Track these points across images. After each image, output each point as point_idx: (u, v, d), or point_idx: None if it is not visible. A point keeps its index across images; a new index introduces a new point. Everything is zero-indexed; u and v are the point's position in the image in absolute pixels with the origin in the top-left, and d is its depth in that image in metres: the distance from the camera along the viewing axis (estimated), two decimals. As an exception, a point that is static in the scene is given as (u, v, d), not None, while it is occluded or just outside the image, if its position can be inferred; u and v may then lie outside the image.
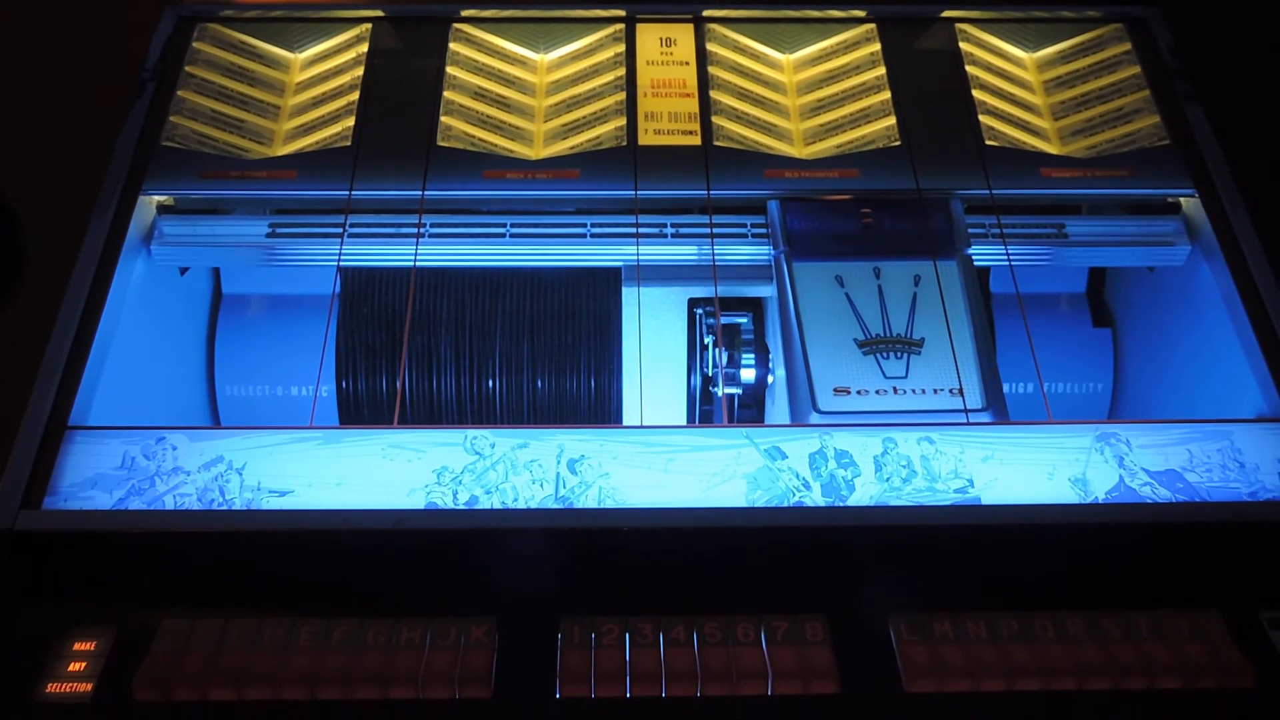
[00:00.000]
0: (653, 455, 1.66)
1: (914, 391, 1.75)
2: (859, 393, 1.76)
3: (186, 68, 2.05)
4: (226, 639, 1.42)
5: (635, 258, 1.95)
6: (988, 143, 2.05)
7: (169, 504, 1.54)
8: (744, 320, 2.03)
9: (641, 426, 1.70)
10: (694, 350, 2.01)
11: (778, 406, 1.94)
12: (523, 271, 2.09)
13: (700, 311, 2.00)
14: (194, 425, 1.75)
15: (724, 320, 2.00)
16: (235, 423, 2.09)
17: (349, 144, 2.01)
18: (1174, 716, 1.37)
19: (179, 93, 2.01)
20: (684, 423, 2.02)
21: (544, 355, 2.07)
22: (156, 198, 1.91)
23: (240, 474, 1.58)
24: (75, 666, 1.36)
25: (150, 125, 1.93)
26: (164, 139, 1.94)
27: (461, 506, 1.59)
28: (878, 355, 1.80)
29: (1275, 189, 2.01)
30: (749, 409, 2.09)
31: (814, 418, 1.73)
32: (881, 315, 1.85)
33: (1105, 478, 1.61)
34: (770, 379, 2.01)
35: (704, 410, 2.05)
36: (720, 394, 1.91)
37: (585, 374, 2.05)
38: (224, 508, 1.54)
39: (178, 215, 1.93)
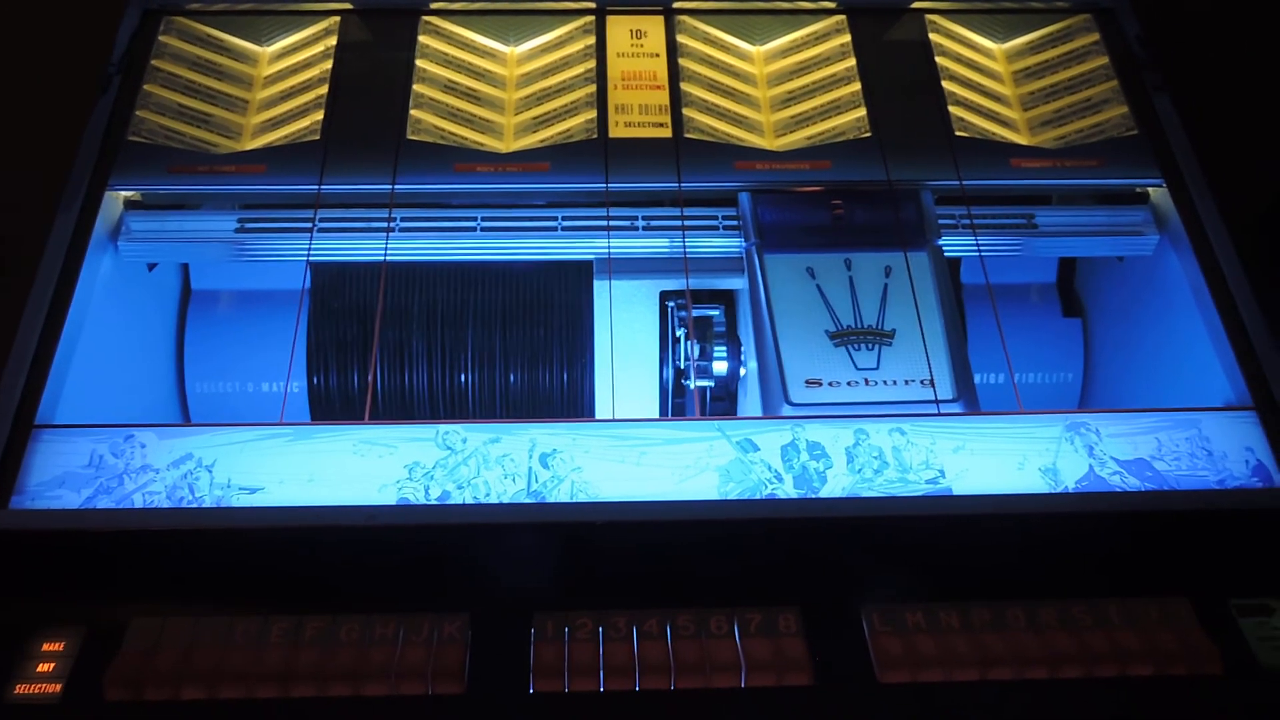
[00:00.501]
0: (625, 448, 1.65)
1: (885, 383, 1.75)
2: (831, 384, 1.76)
3: (153, 62, 2.03)
4: (198, 637, 1.41)
5: (607, 251, 1.94)
6: (958, 134, 2.05)
7: (138, 502, 1.53)
8: (716, 313, 2.03)
9: (614, 420, 1.70)
10: (666, 343, 2.01)
11: (750, 399, 1.94)
12: (494, 265, 2.08)
13: (672, 304, 2.00)
14: (163, 422, 1.73)
15: (696, 313, 2.00)
16: (205, 420, 2.08)
17: (318, 138, 1.99)
18: (1145, 703, 1.38)
19: (145, 87, 1.99)
20: (656, 416, 2.03)
21: (516, 349, 2.06)
22: (123, 193, 1.89)
23: (210, 471, 1.57)
24: (44, 667, 1.34)
25: (116, 120, 1.92)
26: (131, 134, 1.92)
27: (434, 502, 1.59)
28: (849, 347, 1.80)
29: (1242, 179, 2.02)
30: (721, 401, 2.08)
31: (786, 410, 1.73)
32: (853, 307, 1.85)
33: (1075, 467, 1.62)
34: (742, 371, 2.01)
35: (676, 403, 2.04)
36: (692, 387, 1.92)
37: (557, 367, 2.04)
38: (194, 505, 1.54)
39: (145, 210, 1.91)
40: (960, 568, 1.56)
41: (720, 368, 2.00)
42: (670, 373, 2.02)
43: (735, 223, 1.98)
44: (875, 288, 1.90)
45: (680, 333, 1.99)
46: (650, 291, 1.96)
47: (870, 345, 1.81)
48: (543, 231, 1.98)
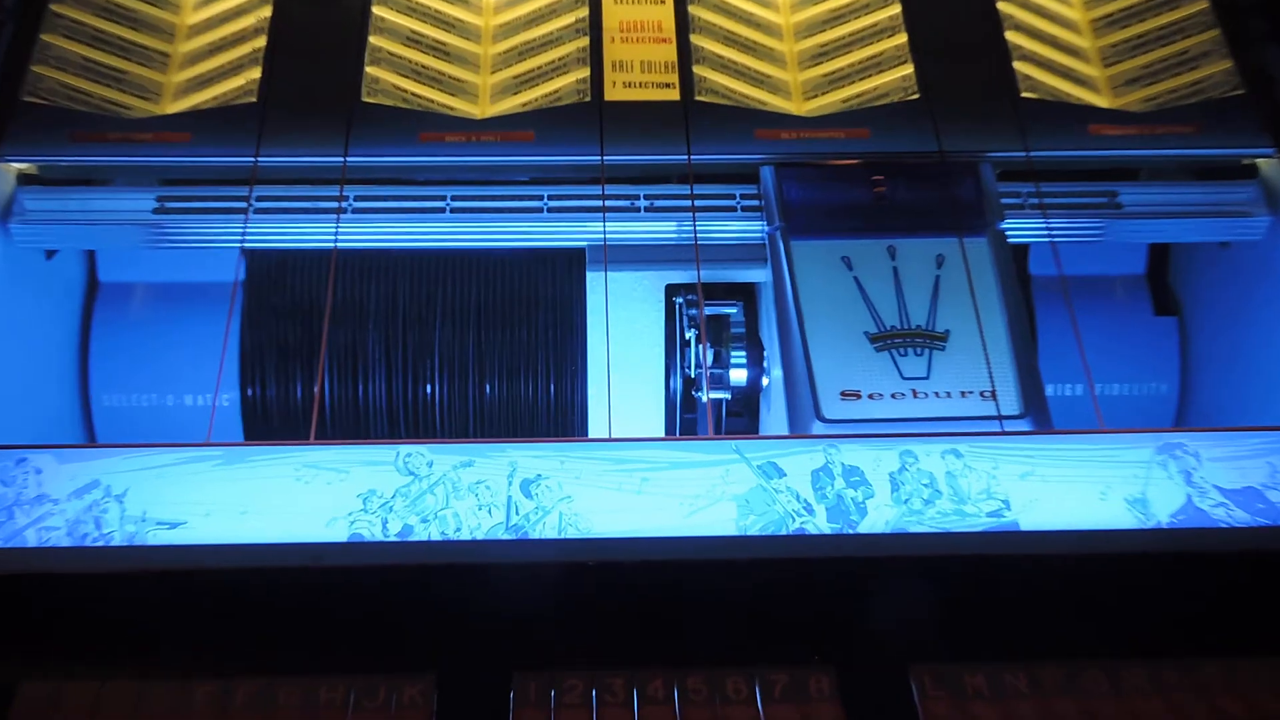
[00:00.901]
0: (624, 474, 1.66)
1: (937, 395, 1.77)
2: (871, 397, 1.78)
3: (52, 6, 2.04)
4: (102, 705, 1.41)
5: (602, 236, 1.94)
6: (1024, 95, 2.05)
7: (31, 540, 1.53)
8: (733, 310, 2.02)
9: (610, 440, 1.71)
10: (673, 347, 2.01)
11: (774, 414, 1.96)
12: (467, 254, 2.09)
13: (680, 300, 2.01)
14: (63, 443, 1.73)
15: (709, 310, 2.00)
16: (114, 439, 2.09)
17: (254, 100, 2.00)
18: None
19: (44, 37, 2.00)
20: (661, 435, 2.03)
21: (493, 354, 2.06)
22: (16, 165, 1.89)
23: (121, 502, 1.57)
24: (-90, 742, 1.34)
25: (9, 77, 1.92)
26: (25, 93, 1.93)
27: (393, 538, 1.59)
28: (894, 352, 1.81)
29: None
30: (739, 417, 2.08)
31: (817, 427, 1.75)
32: (898, 303, 1.85)
33: (1170, 498, 1.62)
34: (765, 381, 2.00)
35: (685, 419, 2.04)
36: (705, 399, 1.92)
37: (543, 377, 2.05)
38: (101, 544, 1.54)
39: (43, 186, 1.91)
40: (1028, 620, 1.57)
41: (738, 377, 2.00)
42: (678, 383, 2.02)
43: (756, 203, 1.99)
44: (925, 280, 1.89)
45: (690, 335, 1.98)
46: (654, 285, 1.97)
47: (919, 350, 1.82)
48: (525, 214, 1.98)
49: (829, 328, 1.84)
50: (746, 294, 2.06)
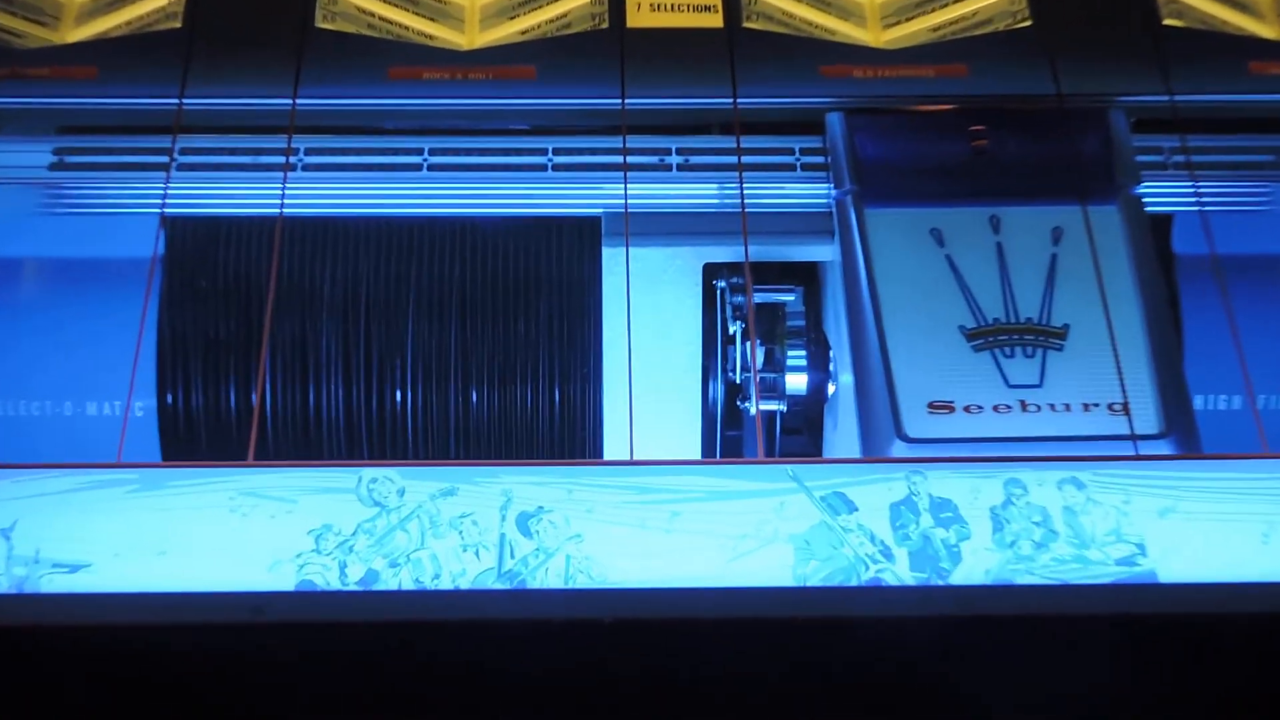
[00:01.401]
0: (649, 507, 1.66)
1: (1053, 408, 1.77)
2: (968, 410, 1.79)
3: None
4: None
5: (622, 202, 1.95)
6: (1166, 22, 2.06)
7: (-111, 586, 1.55)
8: (790, 298, 2.03)
9: (632, 463, 1.71)
10: (713, 345, 2.02)
11: (842, 432, 1.96)
12: (449, 224, 2.08)
13: (723, 285, 2.01)
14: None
15: (759, 298, 2.00)
16: None
17: (178, 25, 2.00)
18: None
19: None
20: (697, 456, 2.03)
21: (482, 353, 2.07)
22: None
23: (8, 539, 1.57)
24: None
25: None
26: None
27: (353, 587, 1.59)
28: (997, 352, 1.82)
29: None
30: (797, 435, 2.09)
31: (898, 449, 1.76)
32: (1003, 290, 1.86)
33: (1354, 542, 1.62)
34: (830, 389, 2.01)
35: (729, 437, 2.05)
36: (753, 412, 1.92)
37: (545, 381, 2.05)
38: (-20, 591, 1.54)
39: (-95, 137, 2.00)
40: (1170, 693, 1.55)
41: (796, 383, 2.01)
42: (719, 390, 2.02)
43: (821, 159, 1.99)
44: (1038, 260, 1.90)
45: (735, 329, 2.00)
46: (689, 265, 1.97)
47: (1030, 350, 1.82)
48: (524, 173, 1.98)
49: (913, 321, 1.85)
50: (807, 277, 2.06)
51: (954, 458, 1.74)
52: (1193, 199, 2.00)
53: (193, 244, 2.09)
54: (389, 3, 2.11)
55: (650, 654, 1.62)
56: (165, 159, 1.95)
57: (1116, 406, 1.79)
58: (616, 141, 1.99)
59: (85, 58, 1.98)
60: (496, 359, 2.06)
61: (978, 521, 1.68)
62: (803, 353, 2.00)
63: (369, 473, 1.68)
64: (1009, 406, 1.81)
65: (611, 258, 1.94)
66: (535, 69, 2.02)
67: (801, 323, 2.02)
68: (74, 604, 1.57)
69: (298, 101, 1.97)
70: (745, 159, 1.99)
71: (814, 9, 2.12)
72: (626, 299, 1.92)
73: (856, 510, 1.69)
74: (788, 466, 1.71)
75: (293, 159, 1.96)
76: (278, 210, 1.95)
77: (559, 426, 2.05)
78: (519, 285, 2.07)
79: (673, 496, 1.68)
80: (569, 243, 2.06)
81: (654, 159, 2.00)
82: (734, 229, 1.95)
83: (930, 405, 1.80)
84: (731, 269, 1.99)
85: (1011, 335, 1.86)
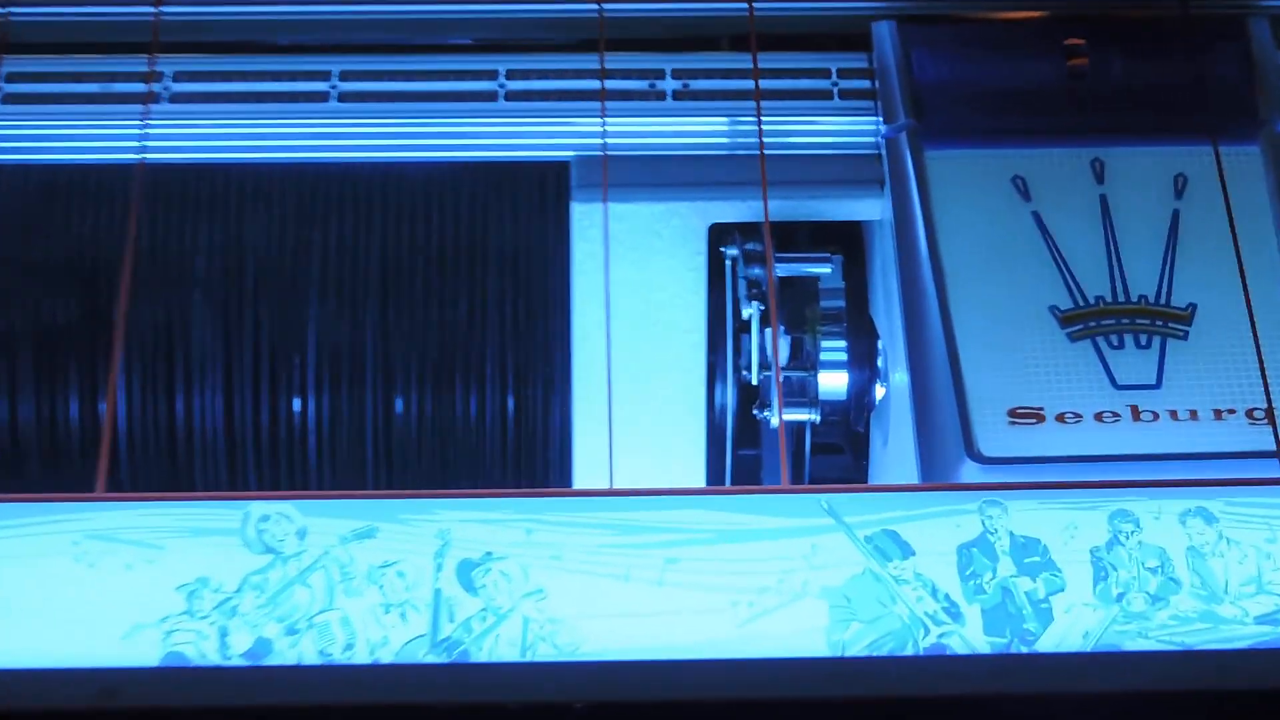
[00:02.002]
0: (636, 552, 1.69)
1: (1174, 416, 1.83)
2: (1061, 420, 1.83)
3: None
4: None
5: (599, 142, 1.97)
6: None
7: None
8: (825, 270, 2.06)
9: (612, 493, 1.76)
10: (721, 332, 2.04)
11: (893, 450, 2.00)
12: (366, 174, 2.09)
13: (735, 252, 2.03)
14: None
15: (784, 271, 2.01)
16: None
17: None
18: None
19: None
20: (700, 483, 2.05)
21: (410, 346, 2.08)
22: None
23: None
24: None
25: None
26: None
27: (238, 661, 1.60)
28: (1101, 341, 1.87)
29: None
30: (835, 454, 2.11)
31: (968, 472, 1.81)
32: (1108, 259, 1.90)
33: None
34: (879, 392, 2.04)
35: (741, 457, 2.06)
36: (775, 424, 1.96)
37: (496, 384, 2.07)
38: None
39: None
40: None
41: (833, 384, 2.02)
42: (731, 395, 2.05)
43: (866, 84, 2.01)
44: (1155, 219, 1.92)
45: (751, 311, 2.01)
46: (690, 227, 2.00)
47: (1144, 339, 1.86)
48: (468, 103, 2.00)
49: (990, 300, 1.90)
50: (847, 243, 2.10)
51: (1043, 483, 1.78)
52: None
53: (19, 201, 2.10)
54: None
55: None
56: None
57: (1258, 414, 1.79)
58: (591, 61, 2.00)
59: None
60: (430, 354, 2.07)
61: (1074, 568, 1.71)
62: (841, 344, 2.02)
63: (259, 508, 1.71)
64: (1116, 414, 1.83)
65: (584, 217, 1.97)
66: (482, -39, 2.02)
67: (840, 304, 2.04)
68: None
69: (162, 11, 1.96)
70: (764, 84, 1.99)
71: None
72: (605, 273, 1.93)
73: (913, 555, 1.72)
74: (821, 497, 1.75)
75: (156, 87, 1.95)
76: (136, 157, 1.96)
77: (514, 444, 2.07)
78: (460, 255, 2.09)
79: (667, 537, 1.72)
80: (527, 197, 2.08)
81: (642, 84, 2.01)
82: (749, 178, 1.95)
83: (1012, 413, 1.83)
84: (746, 232, 2.01)
85: (1120, 319, 1.87)
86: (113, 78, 2.00)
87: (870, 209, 2.00)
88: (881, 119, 1.98)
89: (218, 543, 1.66)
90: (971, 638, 1.64)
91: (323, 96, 2.00)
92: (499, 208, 2.09)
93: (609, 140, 1.96)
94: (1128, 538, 1.70)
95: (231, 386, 2.06)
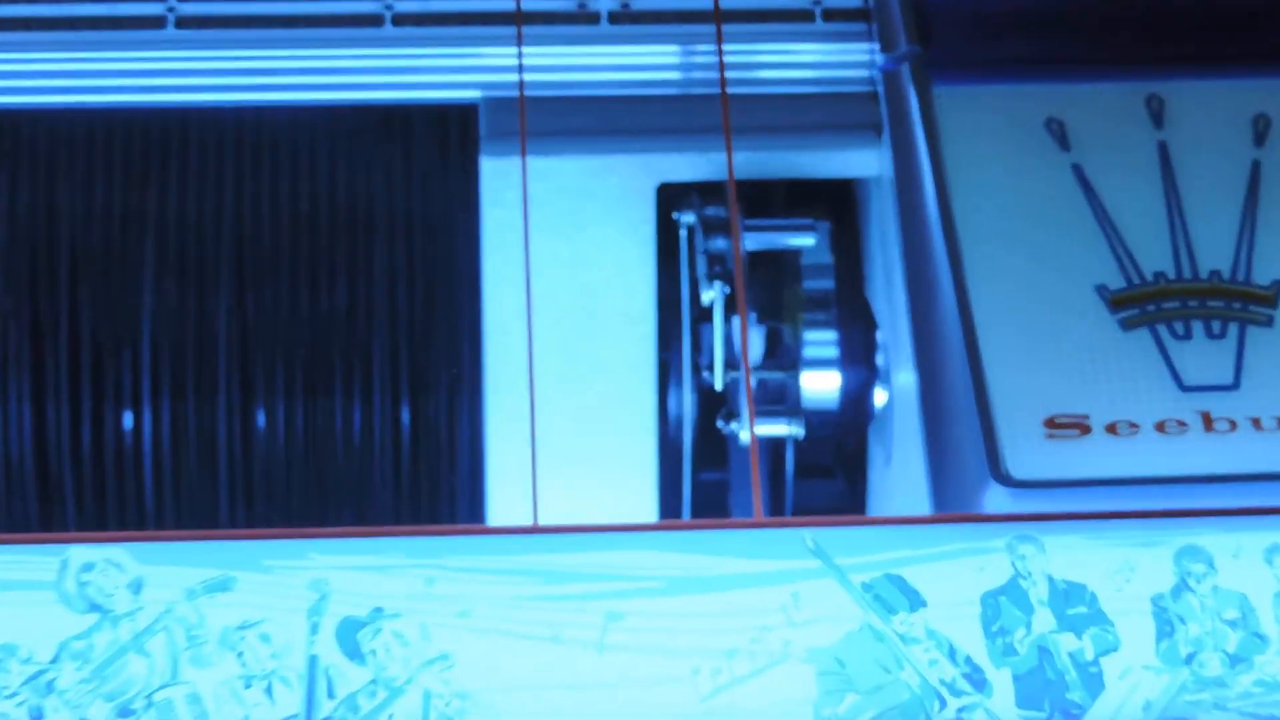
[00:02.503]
0: (566, 605, 1.68)
1: (1256, 425, 1.82)
2: (1112, 430, 1.83)
3: None
4: None
5: (514, 79, 1.97)
6: None
7: None
8: (807, 241, 2.08)
9: (536, 530, 1.74)
10: (675, 322, 2.06)
11: (898, 470, 2.00)
12: (215, 119, 2.09)
13: (691, 220, 2.05)
14: None
15: (755, 242, 2.03)
16: None
17: None
18: None
19: None
20: (651, 516, 2.06)
21: (275, 342, 2.09)
22: None
23: None
24: None
25: None
26: None
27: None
28: (1162, 330, 1.86)
29: None
30: (822, 476, 2.13)
31: (993, 498, 1.81)
32: (1170, 224, 1.90)
33: None
34: (880, 397, 2.06)
35: (703, 482, 2.08)
36: (745, 437, 1.97)
37: (386, 390, 2.08)
38: None
39: None
40: None
41: (820, 387, 2.05)
42: (689, 401, 2.07)
43: (857, 2, 2.02)
44: (1229, 172, 1.93)
45: (714, 294, 2.02)
46: (633, 187, 2.02)
47: (1218, 326, 1.86)
48: (348, 30, 2.01)
49: (1020, 277, 1.87)
50: (836, 205, 2.11)
51: (1090, 512, 1.77)
52: None
53: None
54: None
55: None
56: None
57: (1365, 424, 1.79)
58: (505, -23, 1.99)
59: None
60: (299, 352, 2.08)
61: (1132, 620, 1.70)
62: (830, 336, 2.01)
63: (80, 554, 1.69)
64: (1183, 423, 1.82)
65: (497, 175, 1.95)
66: None
67: (828, 284, 2.03)
68: None
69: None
70: (726, 3, 1.98)
71: None
72: (524, 247, 1.91)
73: (924, 606, 1.71)
74: (806, 532, 1.73)
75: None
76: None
77: (410, 467, 2.07)
78: (338, 225, 2.10)
79: (609, 587, 1.71)
80: (423, 150, 2.08)
81: (569, 3, 1.99)
82: (709, 124, 1.94)
83: (1049, 423, 1.83)
84: (706, 194, 2.01)
85: (1186, 301, 1.85)
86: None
87: (864, 162, 2.01)
88: (880, 46, 1.97)
89: (27, 599, 1.65)
90: (1001, 711, 1.65)
91: (157, 22, 2.00)
92: (387, 163, 2.10)
93: (527, 76, 1.96)
94: (1199, 582, 1.70)
95: (43, 395, 2.06)
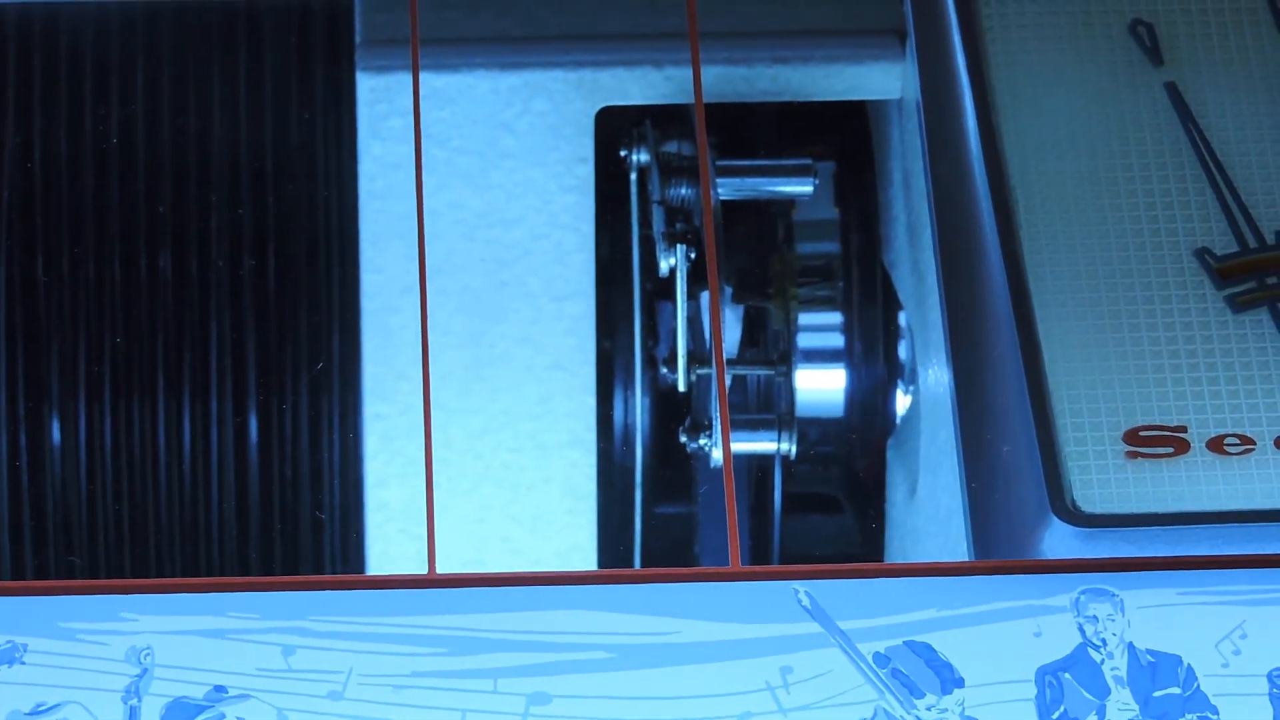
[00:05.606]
0: (474, 683, 1.69)
1: None
2: (1219, 448, 1.80)
3: None
4: None
5: None
6: None
7: None
8: (804, 188, 2.05)
9: (435, 581, 1.68)
10: (623, 297, 2.02)
11: (926, 500, 1.94)
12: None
13: (643, 158, 2.01)
14: None
15: (732, 189, 2.01)
16: None
17: None
18: None
19: None
20: (590, 562, 2.02)
21: (69, 327, 2.05)
22: None
23: None
24: None
25: None
26: None
27: None
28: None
29: None
30: (822, 509, 2.09)
31: (1056, 539, 1.80)
32: None
33: None
34: (902, 401, 2.02)
35: (660, 516, 2.04)
36: (718, 458, 1.92)
37: (225, 391, 2.04)
38: None
39: None
40: None
41: (820, 387, 2.01)
42: (640, 406, 2.03)
43: None
44: None
45: (675, 261, 1.98)
46: (567, 111, 1.98)
47: None
48: None
49: (1090, 238, 1.86)
50: (845, 139, 2.06)
51: (1187, 558, 1.74)
52: None
53: None
54: None
55: None
56: None
57: None
58: None
59: None
60: (103, 340, 2.01)
61: (1244, 704, 1.70)
62: (836, 319, 1.97)
63: None
64: (1319, 443, 1.77)
65: (378, 95, 1.93)
66: None
67: (833, 247, 1.98)
68: None
69: None
70: None
71: None
72: (417, 196, 1.87)
73: (959, 686, 1.70)
74: (800, 585, 1.70)
75: None
76: None
77: (260, 496, 2.02)
78: (160, 163, 2.03)
79: (534, 659, 1.69)
80: (277, 60, 2.03)
81: None
82: (667, 27, 1.91)
83: (1131, 438, 1.81)
84: (663, 123, 1.96)
85: (1318, 267, 1.79)
86: None
87: (882, 81, 1.95)
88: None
89: None
90: None
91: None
92: (228, 80, 2.06)
93: (423, -34, 1.92)
94: (1337, 655, 1.65)
95: None
